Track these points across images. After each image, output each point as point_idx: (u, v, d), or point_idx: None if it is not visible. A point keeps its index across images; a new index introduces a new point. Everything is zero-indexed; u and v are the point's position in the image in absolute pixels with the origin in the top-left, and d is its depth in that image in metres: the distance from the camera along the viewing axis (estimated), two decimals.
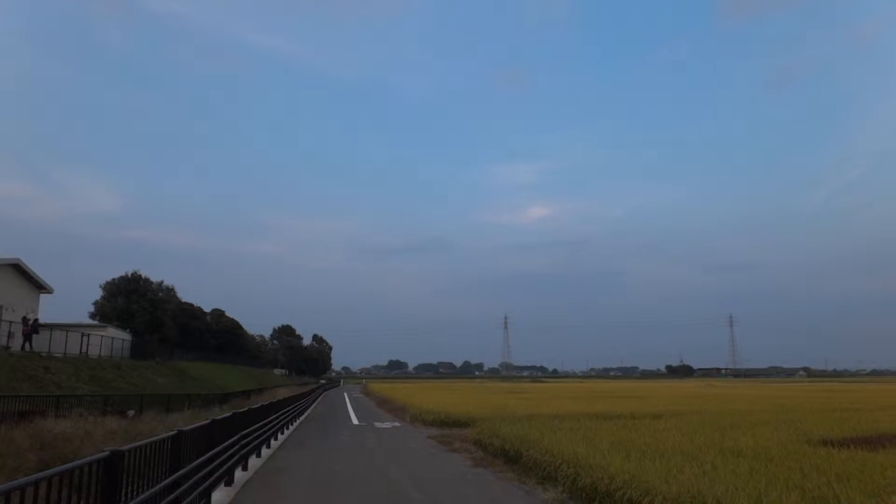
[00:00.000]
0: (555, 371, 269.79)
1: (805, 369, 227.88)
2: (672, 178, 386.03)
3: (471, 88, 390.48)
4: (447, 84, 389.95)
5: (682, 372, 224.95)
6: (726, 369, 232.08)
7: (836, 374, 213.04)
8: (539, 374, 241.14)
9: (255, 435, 13.61)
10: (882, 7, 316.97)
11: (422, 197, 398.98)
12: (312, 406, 39.85)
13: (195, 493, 7.37)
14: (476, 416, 21.68)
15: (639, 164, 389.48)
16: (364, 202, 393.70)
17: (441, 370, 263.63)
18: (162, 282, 60.47)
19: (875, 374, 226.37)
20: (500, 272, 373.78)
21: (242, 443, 11.72)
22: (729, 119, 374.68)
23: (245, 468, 12.39)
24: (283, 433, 20.24)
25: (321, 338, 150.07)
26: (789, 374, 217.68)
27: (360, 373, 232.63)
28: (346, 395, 61.21)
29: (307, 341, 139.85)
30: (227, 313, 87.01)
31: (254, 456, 13.94)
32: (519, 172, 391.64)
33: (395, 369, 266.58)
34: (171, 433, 6.65)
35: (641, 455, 10.71)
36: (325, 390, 73.20)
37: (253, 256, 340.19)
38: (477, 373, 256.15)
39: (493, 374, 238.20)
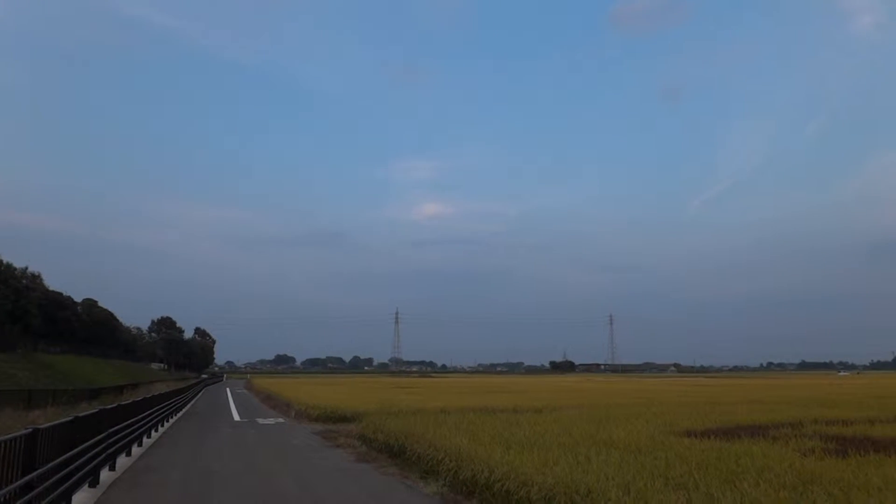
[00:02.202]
0: (443, 366, 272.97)
1: (676, 365, 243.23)
2: (564, 181, 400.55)
3: (369, 83, 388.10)
4: (346, 78, 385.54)
5: (564, 367, 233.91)
6: (605, 365, 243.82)
7: (703, 370, 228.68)
8: (428, 369, 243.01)
9: (125, 433, 12.88)
10: (752, 35, 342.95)
11: (316, 190, 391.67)
12: (192, 402, 38.22)
13: (52, 495, 6.87)
14: (362, 412, 21.56)
15: (533, 166, 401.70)
16: (255, 193, 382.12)
17: (330, 365, 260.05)
18: (27, 268, 56.00)
19: (736, 370, 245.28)
20: (393, 268, 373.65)
21: (110, 441, 11.04)
22: (619, 126, 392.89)
23: (113, 468, 11.68)
24: (157, 430, 19.26)
25: (204, 331, 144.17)
26: (662, 369, 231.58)
27: (246, 368, 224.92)
28: (228, 390, 59.09)
29: (189, 334, 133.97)
30: (101, 303, 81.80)
31: (123, 455, 13.19)
32: (416, 169, 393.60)
33: (283, 364, 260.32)
34: (26, 431, 6.17)
35: (521, 447, 11.01)
36: (207, 386, 70.37)
37: (134, 246, 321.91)
38: (366, 368, 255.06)
39: (383, 369, 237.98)
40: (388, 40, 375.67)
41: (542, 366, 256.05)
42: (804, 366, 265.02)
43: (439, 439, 12.16)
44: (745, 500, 6.60)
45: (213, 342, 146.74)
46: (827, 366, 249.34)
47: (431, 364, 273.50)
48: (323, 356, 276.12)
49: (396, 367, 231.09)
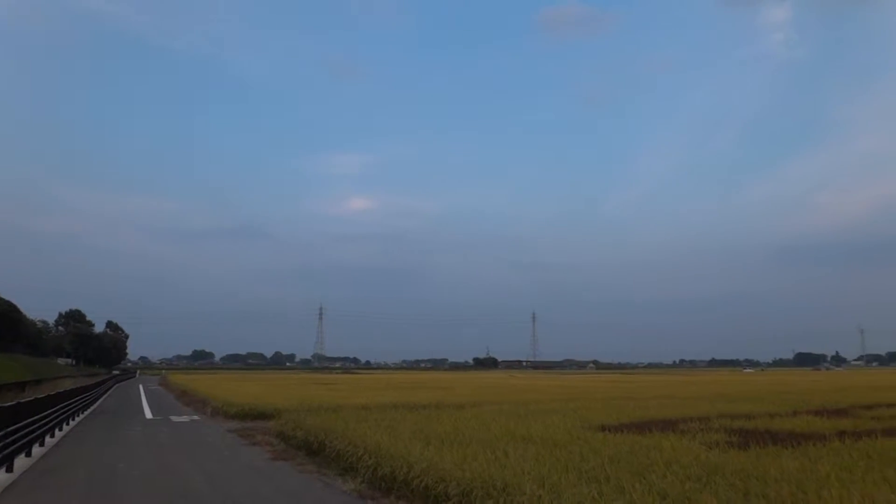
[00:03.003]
0: (368, 363, 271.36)
1: (595, 362, 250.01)
2: (490, 180, 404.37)
3: (297, 75, 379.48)
4: (275, 67, 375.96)
5: (487, 364, 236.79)
6: (527, 362, 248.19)
7: (621, 367, 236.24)
8: (352, 365, 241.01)
9: (24, 431, 12.17)
10: (669, 47, 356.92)
11: (241, 182, 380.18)
12: (101, 399, 36.52)
13: None
14: (282, 408, 21.15)
15: (461, 163, 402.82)
16: (178, 183, 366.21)
17: (250, 361, 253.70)
18: None
19: (651, 366, 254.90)
20: (317, 262, 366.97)
21: (7, 441, 10.41)
22: (544, 128, 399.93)
23: (10, 469, 11.02)
24: (61, 429, 18.30)
25: (116, 325, 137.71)
26: (581, 366, 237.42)
27: (161, 364, 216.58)
28: (141, 387, 56.78)
29: (100, 328, 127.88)
30: (1, 294, 76.93)
31: (23, 455, 12.46)
32: (343, 164, 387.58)
33: (200, 360, 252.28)
34: None
35: (441, 443, 11.07)
36: (118, 382, 67.38)
37: (40, 234, 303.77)
38: (288, 364, 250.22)
39: (306, 365, 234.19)
40: (325, 34, 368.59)
41: (466, 362, 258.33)
42: (714, 363, 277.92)
43: (359, 436, 12.08)
44: (653, 491, 6.85)
45: (126, 337, 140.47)
46: (734, 363, 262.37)
47: (355, 360, 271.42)
48: (243, 352, 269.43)
49: (319, 364, 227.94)
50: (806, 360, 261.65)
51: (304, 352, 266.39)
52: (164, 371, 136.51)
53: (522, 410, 18.64)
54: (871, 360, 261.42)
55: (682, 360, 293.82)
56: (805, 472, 7.77)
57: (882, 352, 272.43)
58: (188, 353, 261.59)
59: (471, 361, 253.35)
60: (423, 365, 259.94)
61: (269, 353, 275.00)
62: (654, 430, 12.82)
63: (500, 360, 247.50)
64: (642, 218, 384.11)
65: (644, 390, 34.61)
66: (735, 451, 9.80)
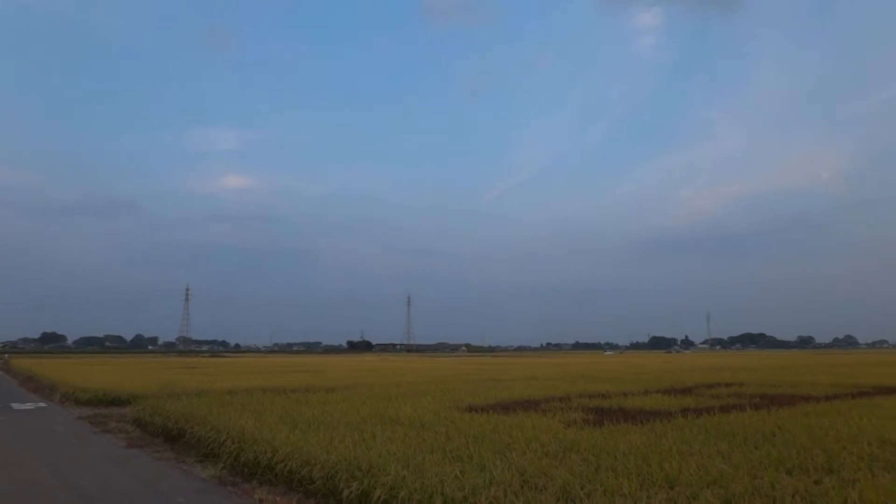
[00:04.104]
0: (237, 346, 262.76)
1: (467, 345, 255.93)
2: (370, 163, 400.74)
3: (177, 44, 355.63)
4: (143, 29, 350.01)
5: (361, 347, 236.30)
6: (401, 345, 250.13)
7: (491, 350, 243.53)
8: (220, 349, 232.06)
9: None
10: (548, 43, 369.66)
11: (105, 154, 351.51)
12: None
13: None
14: (140, 394, 19.98)
15: (340, 146, 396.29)
16: (35, 153, 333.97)
17: (108, 344, 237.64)
18: None
19: (520, 349, 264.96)
20: (186, 241, 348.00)
21: None
22: (427, 115, 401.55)
23: None
24: None
25: None
26: (454, 349, 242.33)
27: (4, 347, 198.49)
28: None
29: None
30: None
31: None
32: (219, 139, 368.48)
33: (51, 343, 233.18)
34: None
35: (308, 427, 10.94)
36: None
37: None
38: (151, 348, 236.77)
39: (170, 348, 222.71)
40: (203, 2, 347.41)
41: (340, 345, 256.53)
42: (578, 346, 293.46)
43: (222, 421, 11.68)
44: (513, 468, 7.12)
45: None
46: (596, 346, 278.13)
47: (224, 344, 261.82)
48: (101, 335, 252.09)
49: (185, 347, 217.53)
50: (659, 343, 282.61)
51: (168, 335, 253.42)
52: (7, 355, 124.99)
53: (393, 393, 18.76)
54: (715, 343, 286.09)
55: (548, 344, 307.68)
56: (651, 446, 8.37)
57: (725, 336, 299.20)
58: (37, 335, 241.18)
59: (345, 345, 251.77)
60: (295, 348, 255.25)
61: (129, 336, 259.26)
62: (518, 410, 13.33)
63: (374, 343, 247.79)
64: (518, 207, 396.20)
65: (511, 372, 35.84)
66: (590, 429, 10.37)
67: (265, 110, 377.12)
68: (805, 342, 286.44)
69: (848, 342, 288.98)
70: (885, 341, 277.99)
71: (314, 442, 9.14)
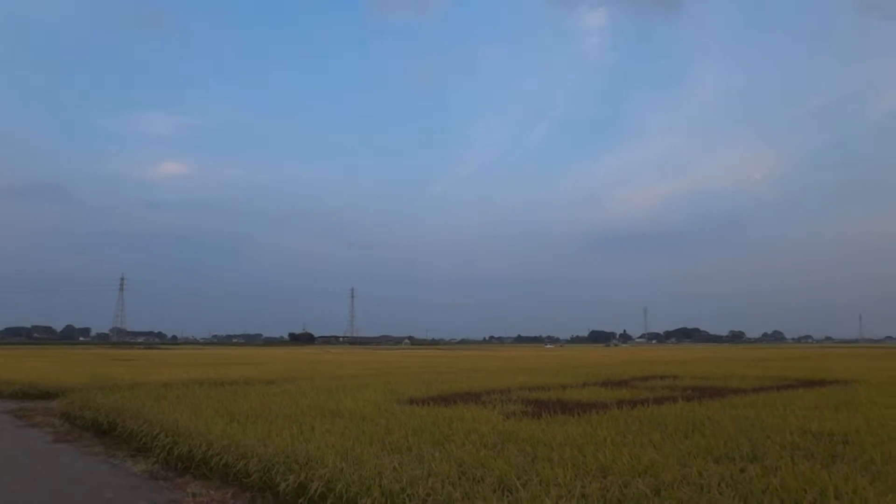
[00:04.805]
0: (174, 337, 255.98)
1: (410, 338, 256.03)
2: (314, 153, 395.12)
3: (105, 20, 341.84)
4: (77, 9, 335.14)
5: (303, 339, 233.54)
6: (344, 337, 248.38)
7: (435, 343, 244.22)
8: (156, 340, 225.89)
9: None
10: (494, 41, 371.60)
11: (34, 136, 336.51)
12: None
13: None
14: (70, 387, 19.24)
15: (286, 134, 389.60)
16: None
17: (36, 336, 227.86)
18: None
19: (463, 342, 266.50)
20: (121, 229, 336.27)
21: None
22: (375, 105, 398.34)
23: None
24: None
25: None
26: (397, 342, 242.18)
27: None
28: None
29: None
30: None
31: None
32: (157, 124, 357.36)
33: None
34: None
35: (246, 420, 10.76)
36: None
37: None
38: (82, 339, 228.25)
39: (103, 340, 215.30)
40: None
41: (282, 338, 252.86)
42: (520, 339, 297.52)
43: (156, 414, 11.38)
44: (451, 459, 7.17)
45: None
46: (537, 339, 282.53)
47: (160, 336, 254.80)
48: (27, 325, 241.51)
49: (119, 339, 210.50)
50: (599, 337, 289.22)
51: (101, 326, 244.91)
52: None
53: (334, 385, 18.61)
54: (651, 337, 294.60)
55: (491, 337, 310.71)
56: (586, 437, 8.55)
57: (661, 330, 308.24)
58: None
59: (287, 337, 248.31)
60: (234, 340, 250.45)
61: (59, 327, 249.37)
62: (459, 403, 13.40)
63: (316, 335, 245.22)
64: (462, 201, 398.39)
65: (454, 365, 36.05)
66: (529, 420, 10.53)
67: (205, 97, 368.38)
68: (736, 337, 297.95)
69: (776, 337, 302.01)
70: (810, 336, 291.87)
71: (251, 435, 8.99)
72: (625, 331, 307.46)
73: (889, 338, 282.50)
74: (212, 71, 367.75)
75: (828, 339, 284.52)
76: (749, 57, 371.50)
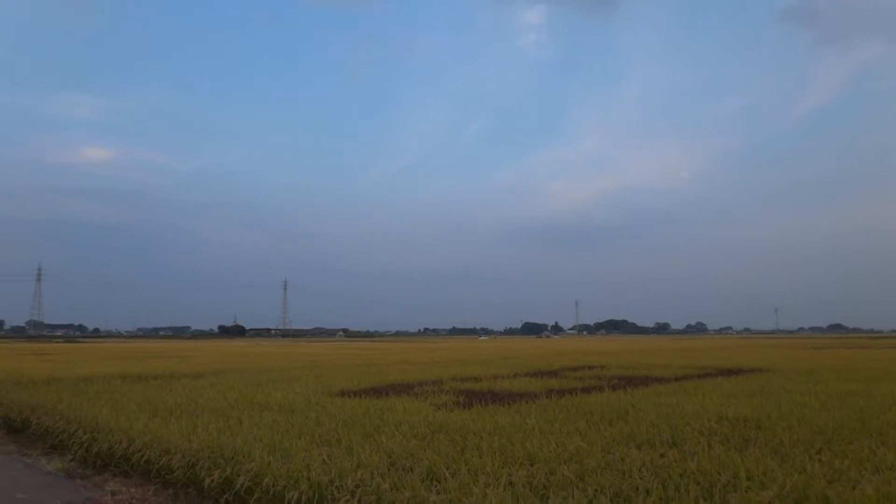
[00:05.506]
0: (96, 330, 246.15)
1: (344, 330, 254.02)
2: (244, 141, 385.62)
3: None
4: None
5: (234, 332, 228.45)
6: (276, 330, 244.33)
7: (369, 335, 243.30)
8: (77, 333, 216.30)
9: None
10: (434, 31, 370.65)
11: None
12: None
13: None
14: None
15: (216, 120, 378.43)
16: None
17: None
18: None
19: (398, 335, 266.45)
20: (38, 217, 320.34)
21: None
22: (309, 92, 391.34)
23: None
24: None
25: None
26: (331, 334, 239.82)
27: None
28: None
29: None
30: None
31: None
32: (80, 107, 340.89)
33: None
34: None
35: (170, 414, 10.45)
36: None
37: None
38: None
39: (18, 333, 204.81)
40: None
41: (212, 330, 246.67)
42: (454, 331, 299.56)
43: (74, 410, 10.93)
44: (381, 450, 7.16)
45: None
46: (472, 331, 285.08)
47: (81, 328, 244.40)
48: None
49: (36, 332, 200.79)
50: (532, 328, 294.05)
51: (16, 319, 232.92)
52: None
53: (265, 378, 18.29)
54: (582, 329, 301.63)
55: (426, 329, 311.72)
56: (515, 426, 8.70)
57: (592, 322, 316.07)
58: None
59: (216, 330, 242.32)
60: (161, 333, 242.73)
61: None
62: (391, 394, 13.40)
63: (248, 328, 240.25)
64: (398, 192, 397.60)
65: (387, 357, 35.96)
66: (460, 411, 10.62)
67: (131, 79, 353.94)
68: (662, 328, 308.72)
69: (699, 328, 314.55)
70: (731, 328, 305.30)
71: (175, 430, 8.74)
72: (557, 323, 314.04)
73: (802, 328, 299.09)
74: (139, 53, 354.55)
75: (747, 330, 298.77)
76: (679, 58, 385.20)
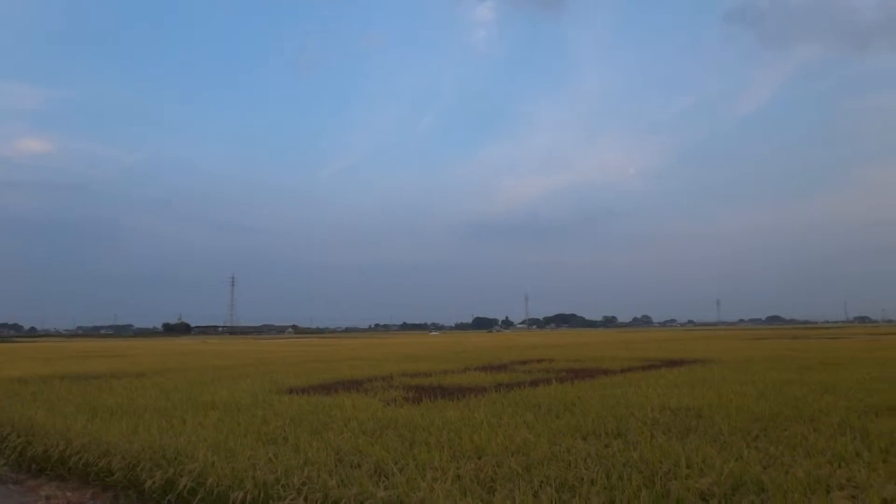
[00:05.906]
0: (33, 329, 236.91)
1: (294, 327, 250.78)
2: (188, 134, 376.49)
3: None
4: None
5: (179, 330, 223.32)
6: (223, 327, 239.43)
7: (319, 332, 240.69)
8: (11, 332, 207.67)
9: None
10: (385, 26, 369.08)
11: None
12: None
13: None
14: None
15: (163, 111, 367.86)
16: None
17: None
18: None
19: (348, 331, 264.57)
20: None
21: None
22: (261, 83, 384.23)
23: None
24: None
25: None
26: (280, 331, 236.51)
27: None
28: None
29: None
30: None
31: None
32: (17, 95, 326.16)
33: None
34: None
35: (110, 415, 10.15)
36: None
37: None
38: None
39: None
40: None
41: (155, 328, 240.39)
42: (405, 327, 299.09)
43: (7, 413, 10.57)
44: (329, 447, 7.11)
45: None
46: (423, 326, 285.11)
47: (16, 327, 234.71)
48: None
49: None
50: (482, 323, 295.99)
51: None
52: None
53: (210, 377, 17.93)
54: (532, 323, 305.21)
55: (377, 325, 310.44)
56: (464, 420, 8.74)
57: (541, 316, 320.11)
58: None
59: (160, 328, 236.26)
60: (103, 332, 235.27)
61: None
62: (340, 391, 13.30)
63: (194, 326, 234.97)
64: (348, 187, 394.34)
65: (338, 353, 35.69)
66: (409, 406, 10.62)
67: (73, 67, 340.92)
68: (609, 321, 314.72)
69: (644, 321, 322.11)
70: (675, 320, 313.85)
71: (115, 431, 8.49)
72: (507, 317, 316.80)
73: (742, 320, 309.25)
74: (81, 40, 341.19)
75: (690, 322, 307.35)
76: (626, 57, 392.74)
